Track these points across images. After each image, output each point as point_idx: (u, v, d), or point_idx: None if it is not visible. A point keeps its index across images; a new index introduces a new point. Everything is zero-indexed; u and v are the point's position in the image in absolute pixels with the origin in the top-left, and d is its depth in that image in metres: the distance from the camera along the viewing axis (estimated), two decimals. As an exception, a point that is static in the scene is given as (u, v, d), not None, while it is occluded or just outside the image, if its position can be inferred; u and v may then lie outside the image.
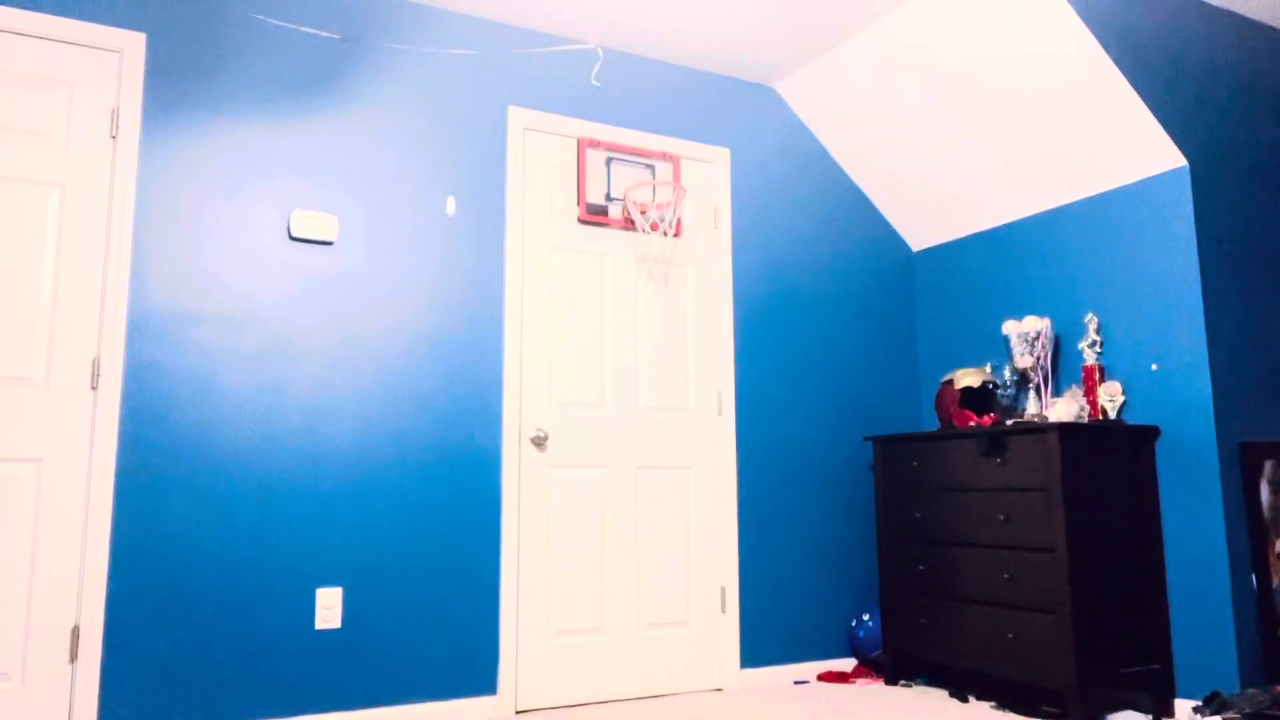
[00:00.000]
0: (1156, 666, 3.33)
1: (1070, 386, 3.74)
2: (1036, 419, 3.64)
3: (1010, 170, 3.97)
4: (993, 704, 3.55)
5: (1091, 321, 3.73)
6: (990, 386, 3.88)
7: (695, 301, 4.10)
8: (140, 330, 3.10)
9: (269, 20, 3.41)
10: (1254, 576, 3.30)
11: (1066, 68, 3.47)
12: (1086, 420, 3.54)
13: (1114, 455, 3.41)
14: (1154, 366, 3.53)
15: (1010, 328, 3.88)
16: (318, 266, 3.39)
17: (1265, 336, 3.57)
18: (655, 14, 3.77)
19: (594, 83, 3.97)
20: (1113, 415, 3.59)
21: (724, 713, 3.49)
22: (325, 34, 3.50)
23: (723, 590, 3.95)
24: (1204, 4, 3.64)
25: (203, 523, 3.11)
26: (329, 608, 3.24)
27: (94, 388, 3.02)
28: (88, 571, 2.93)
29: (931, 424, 4.47)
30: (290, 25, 3.44)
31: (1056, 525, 3.26)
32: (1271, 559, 3.31)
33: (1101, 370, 3.65)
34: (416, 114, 3.63)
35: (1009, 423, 3.64)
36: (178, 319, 3.16)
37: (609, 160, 3.98)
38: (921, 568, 3.80)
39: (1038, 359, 3.81)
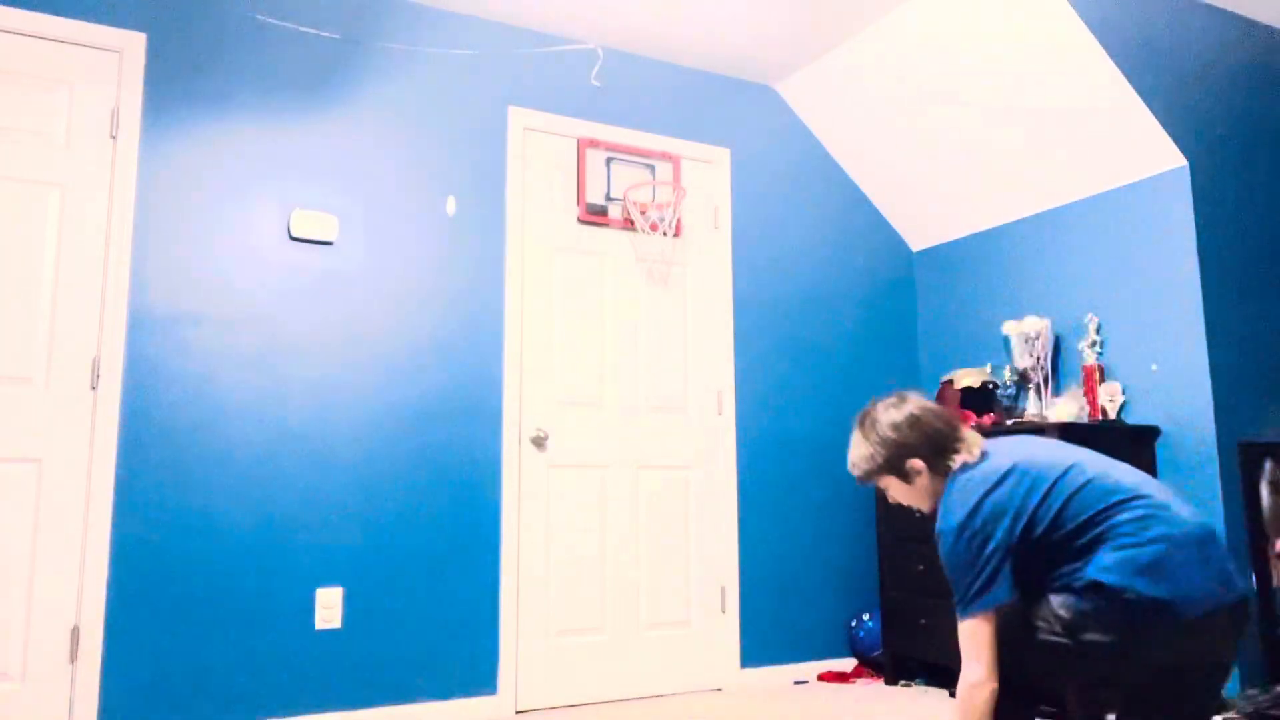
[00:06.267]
0: (1156, 666, 3.32)
1: (1070, 386, 3.74)
2: (1036, 419, 3.63)
3: (1010, 170, 3.97)
4: (993, 704, 3.55)
5: (1091, 321, 3.73)
6: (990, 386, 3.88)
7: (695, 301, 4.10)
8: (140, 330, 3.10)
9: (269, 20, 3.41)
10: (1254, 576, 3.29)
11: (1067, 68, 3.47)
12: (1086, 420, 3.54)
13: (1114, 455, 3.38)
14: (1154, 367, 3.53)
15: (1010, 328, 3.88)
16: (318, 266, 3.39)
17: (1265, 336, 3.57)
18: (655, 14, 3.77)
19: (594, 83, 3.97)
20: (1113, 415, 3.58)
21: (724, 713, 3.48)
22: (325, 34, 3.50)
23: (723, 590, 3.95)
24: (1204, 4, 3.64)
25: (203, 523, 3.11)
26: (329, 608, 3.24)
27: (94, 388, 3.02)
28: (88, 571, 2.93)
29: (931, 424, 4.46)
30: (290, 25, 3.44)
31: (1056, 525, 3.25)
32: (1271, 559, 3.31)
33: (1101, 370, 3.65)
34: (416, 114, 3.63)
35: (1009, 423, 3.63)
36: (178, 319, 3.16)
37: (609, 160, 3.98)
38: (921, 568, 3.80)
39: (1038, 359, 3.81)
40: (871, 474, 2.04)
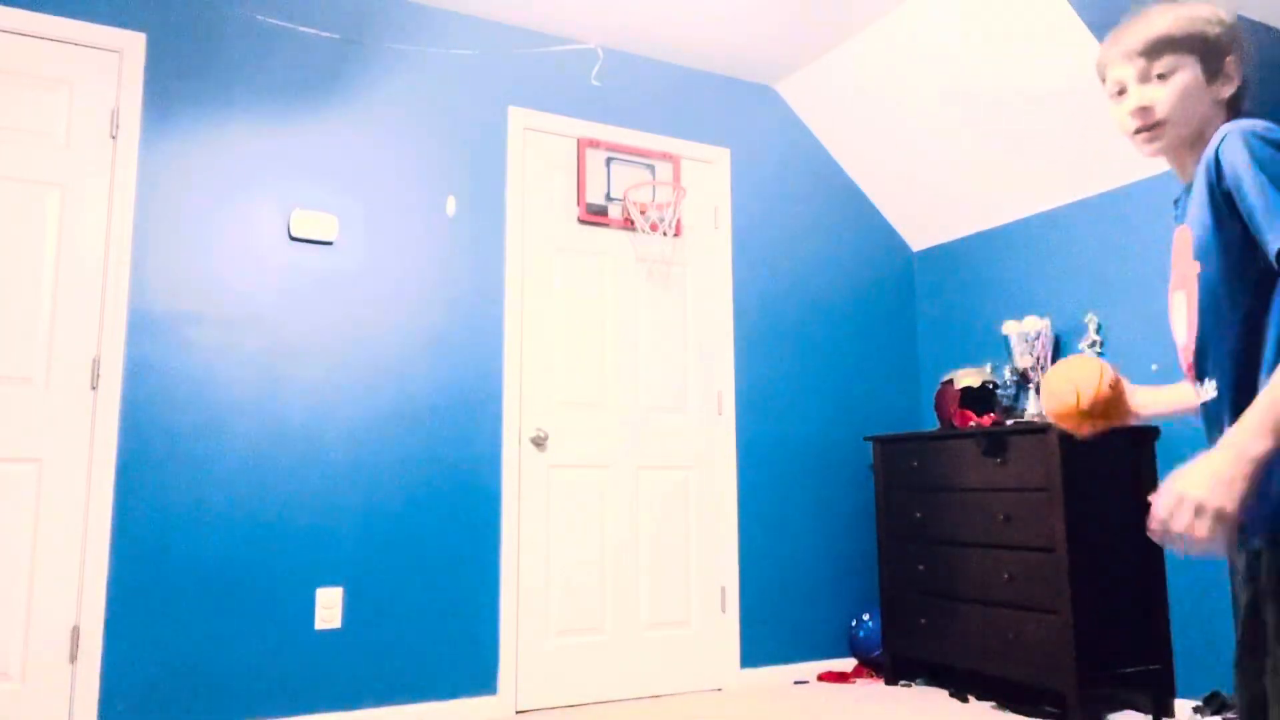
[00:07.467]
0: (1156, 666, 3.32)
1: (1070, 386, 3.73)
2: (1036, 419, 3.63)
3: (1010, 170, 3.97)
4: (993, 704, 3.55)
5: (1091, 321, 3.73)
6: (990, 386, 3.88)
7: (695, 301, 4.10)
8: (140, 330, 3.10)
9: (269, 20, 3.41)
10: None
11: (1067, 68, 3.47)
12: (1086, 420, 3.53)
13: (1114, 455, 3.41)
14: (1154, 367, 3.53)
15: (1010, 328, 3.88)
16: (318, 266, 3.39)
17: (1265, 336, 3.56)
18: (655, 14, 3.77)
19: (594, 83, 3.97)
20: (1113, 415, 3.58)
21: (724, 713, 3.48)
22: (325, 34, 3.50)
23: (723, 590, 3.95)
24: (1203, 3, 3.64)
25: (203, 522, 3.11)
26: (329, 608, 3.24)
27: (94, 387, 3.02)
28: (88, 571, 2.93)
29: (931, 424, 4.46)
30: (290, 25, 3.44)
31: (1056, 525, 3.26)
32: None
33: (1101, 370, 3.64)
34: (416, 114, 3.63)
35: (1009, 423, 3.64)
36: (178, 319, 3.16)
37: (609, 160, 3.98)
38: (921, 568, 3.80)
39: (1038, 359, 3.81)
40: (1184, 42, 1.49)
